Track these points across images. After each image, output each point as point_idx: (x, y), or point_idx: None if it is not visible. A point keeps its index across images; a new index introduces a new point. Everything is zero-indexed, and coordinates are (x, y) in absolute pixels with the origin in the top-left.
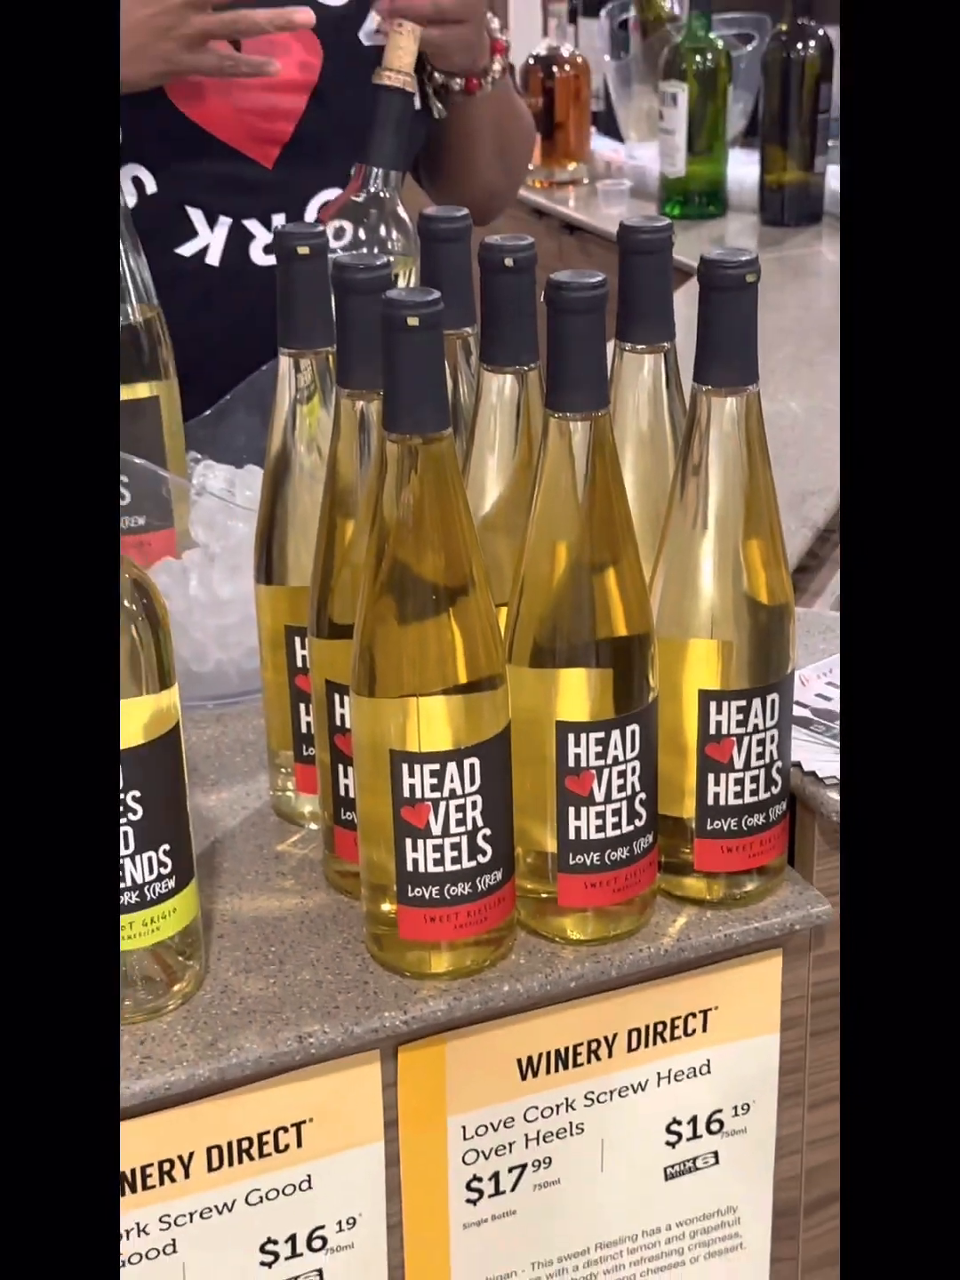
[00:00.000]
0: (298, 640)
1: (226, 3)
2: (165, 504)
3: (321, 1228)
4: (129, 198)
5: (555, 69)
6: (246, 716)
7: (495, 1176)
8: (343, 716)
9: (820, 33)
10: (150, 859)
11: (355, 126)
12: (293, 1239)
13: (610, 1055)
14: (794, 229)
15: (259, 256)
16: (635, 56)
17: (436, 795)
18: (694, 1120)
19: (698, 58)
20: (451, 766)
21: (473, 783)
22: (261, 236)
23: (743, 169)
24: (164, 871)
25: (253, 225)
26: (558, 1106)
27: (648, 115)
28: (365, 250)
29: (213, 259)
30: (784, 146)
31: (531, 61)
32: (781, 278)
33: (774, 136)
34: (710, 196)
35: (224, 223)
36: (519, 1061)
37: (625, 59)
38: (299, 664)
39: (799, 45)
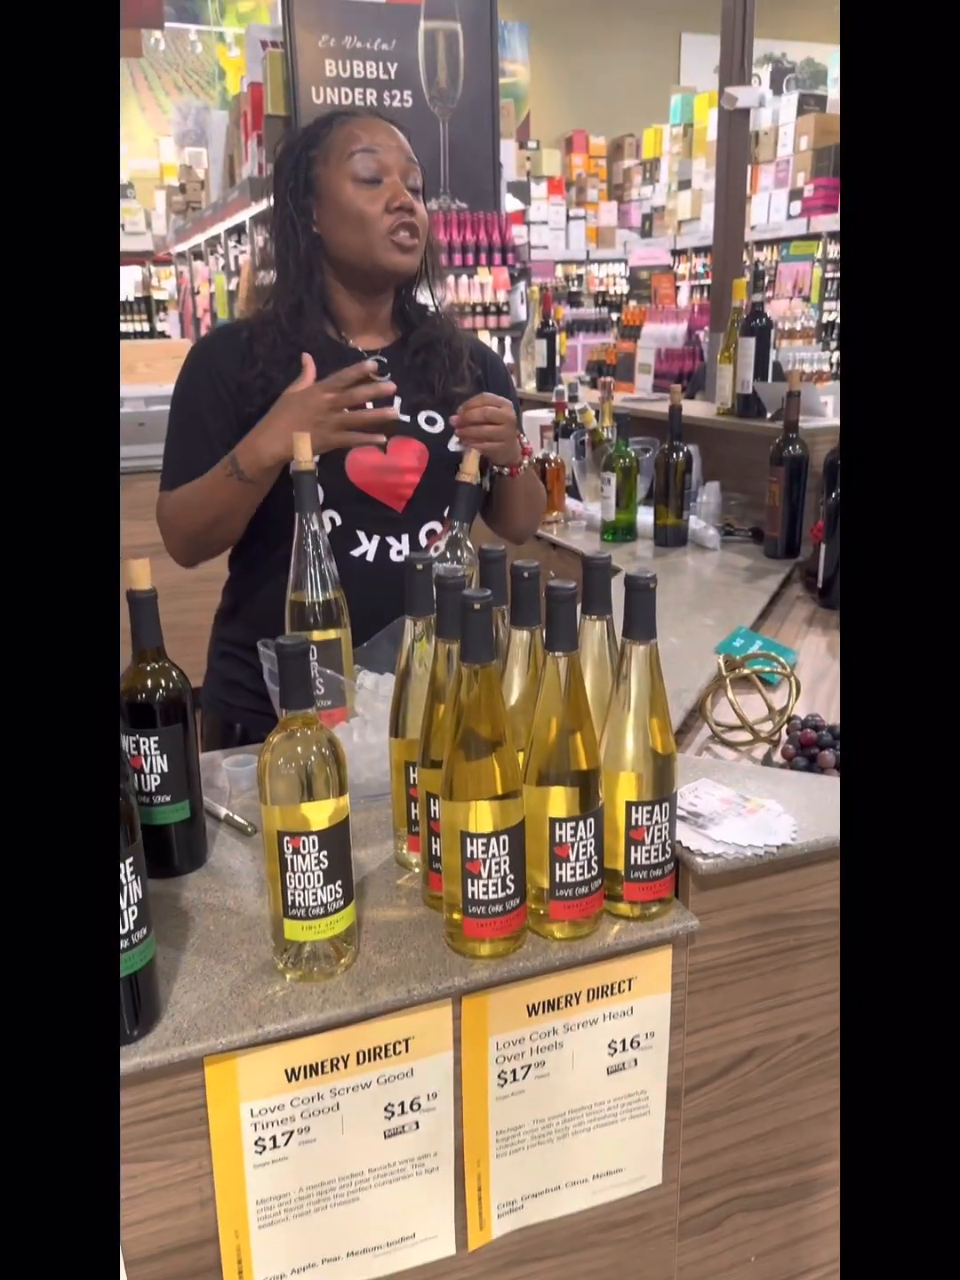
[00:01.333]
0: (410, 769)
1: (352, 405)
2: (342, 694)
3: (418, 1098)
4: (326, 528)
5: (547, 464)
6: (382, 807)
7: (514, 1071)
8: (435, 811)
9: (684, 449)
10: (332, 888)
11: (443, 493)
12: (403, 1103)
13: (577, 1003)
14: (672, 549)
15: (394, 558)
16: (588, 458)
17: (484, 856)
18: (624, 1041)
19: (621, 460)
20: (492, 841)
21: (504, 850)
22: (395, 546)
23: (645, 516)
24: (338, 894)
25: (391, 540)
26: (548, 1032)
27: (595, 488)
28: (452, 564)
29: (369, 559)
30: (666, 505)
31: (536, 459)
32: (667, 575)
33: (661, 500)
34: (628, 530)
35: (375, 538)
36: (527, 1006)
37: (583, 459)
38: (410, 781)
39: (674, 454)
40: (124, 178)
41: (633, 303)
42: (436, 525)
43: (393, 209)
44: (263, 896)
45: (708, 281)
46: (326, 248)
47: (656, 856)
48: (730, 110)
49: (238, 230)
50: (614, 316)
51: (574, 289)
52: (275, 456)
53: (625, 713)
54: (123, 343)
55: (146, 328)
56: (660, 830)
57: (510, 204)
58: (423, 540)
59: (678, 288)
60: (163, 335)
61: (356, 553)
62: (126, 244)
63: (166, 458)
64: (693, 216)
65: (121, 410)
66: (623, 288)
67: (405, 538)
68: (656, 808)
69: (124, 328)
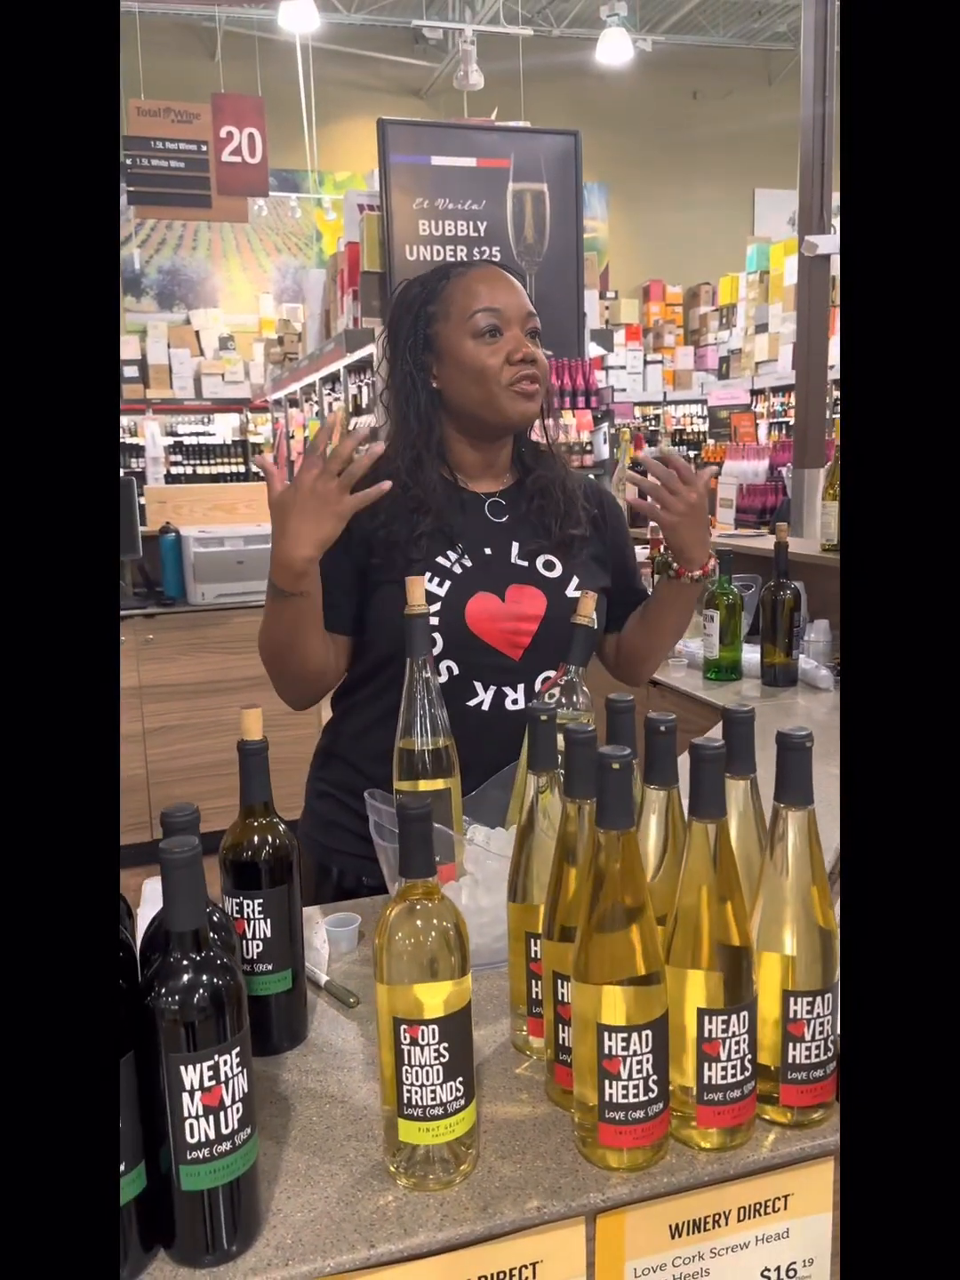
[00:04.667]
0: (532, 941)
1: (337, 469)
2: (450, 848)
3: None
4: (443, 677)
5: None
6: (495, 978)
7: None
8: (563, 994)
9: (792, 586)
10: (452, 1085)
11: (560, 641)
12: None
13: (726, 1223)
14: (781, 688)
15: (509, 707)
16: None
17: (624, 1053)
18: (780, 1268)
19: (724, 597)
20: (634, 1036)
21: (647, 1046)
22: (511, 695)
23: (750, 654)
24: (459, 1092)
25: (507, 690)
26: (694, 1256)
27: (697, 627)
28: (569, 709)
29: (485, 708)
30: (774, 644)
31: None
32: (779, 716)
33: (768, 638)
34: (732, 669)
35: (492, 689)
36: (670, 1226)
37: None
38: (531, 955)
39: (781, 592)
40: (225, 331)
41: (712, 441)
42: (551, 673)
43: (514, 361)
44: (370, 1080)
45: (786, 420)
46: (446, 401)
47: (818, 1055)
48: (811, 257)
49: (332, 379)
50: (691, 454)
51: (652, 428)
52: (304, 558)
53: (782, 888)
54: (226, 484)
55: (242, 469)
56: (822, 1024)
57: (592, 350)
58: (538, 688)
59: (757, 426)
60: (258, 477)
61: (472, 703)
62: (226, 392)
63: None
64: (770, 358)
65: (221, 548)
66: (700, 426)
67: (521, 687)
68: (818, 999)
69: (221, 469)
